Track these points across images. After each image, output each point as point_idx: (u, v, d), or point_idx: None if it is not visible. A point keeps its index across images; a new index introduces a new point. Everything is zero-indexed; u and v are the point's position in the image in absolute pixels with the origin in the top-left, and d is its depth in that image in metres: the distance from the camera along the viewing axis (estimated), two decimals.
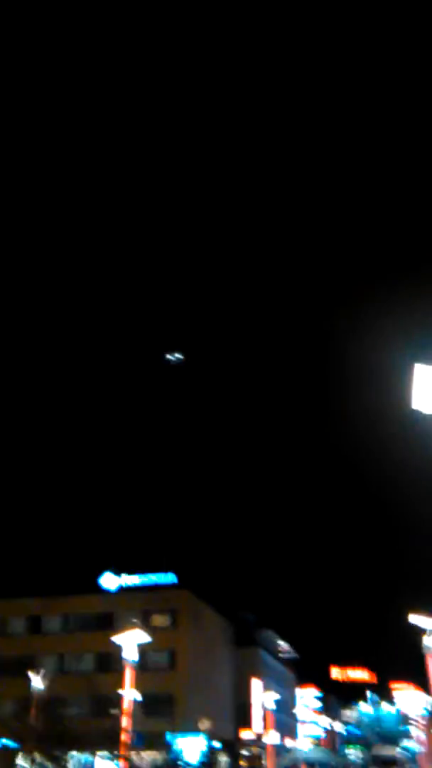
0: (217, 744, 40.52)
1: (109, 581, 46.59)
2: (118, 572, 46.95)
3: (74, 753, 33.95)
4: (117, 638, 22.35)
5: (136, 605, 43.83)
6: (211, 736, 39.43)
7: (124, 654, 22.28)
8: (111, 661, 35.79)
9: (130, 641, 22.67)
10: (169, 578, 46.89)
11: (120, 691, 25.26)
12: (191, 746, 37.08)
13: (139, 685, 25.75)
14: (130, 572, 47.06)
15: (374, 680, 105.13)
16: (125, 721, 24.09)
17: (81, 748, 34.09)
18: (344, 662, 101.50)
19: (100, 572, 46.86)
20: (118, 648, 24.31)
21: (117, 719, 26.46)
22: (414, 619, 19.01)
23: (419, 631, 21.90)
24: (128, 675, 22.44)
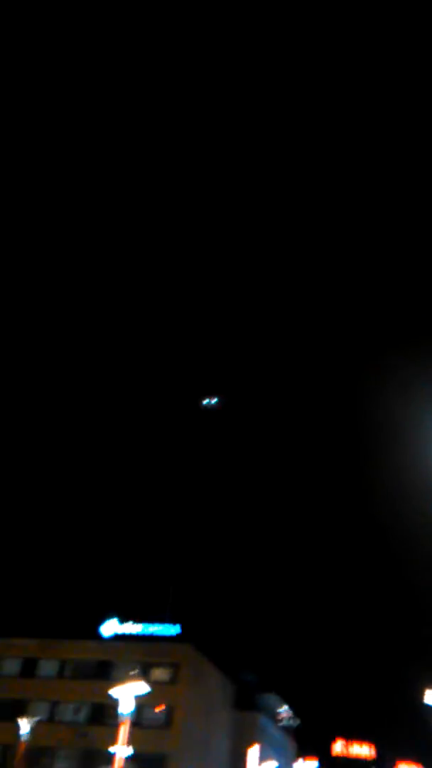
0: None
1: (110, 629, 45.15)
2: (120, 620, 45.51)
3: None
4: (115, 691, 21.25)
5: (135, 656, 42.24)
6: None
7: (121, 708, 21.12)
8: (105, 713, 34.26)
9: (128, 693, 21.54)
10: (172, 630, 45.31)
11: (112, 749, 23.93)
12: None
13: (131, 741, 24.42)
14: (132, 620, 45.59)
15: (375, 757, 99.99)
16: None
17: None
18: (348, 735, 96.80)
19: (100, 617, 45.44)
20: (114, 700, 23.12)
21: None
22: (429, 697, 17.74)
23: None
24: (123, 731, 21.23)
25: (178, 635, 44.97)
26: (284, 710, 71.20)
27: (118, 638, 44.71)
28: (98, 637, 44.70)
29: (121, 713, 21.91)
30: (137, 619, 45.56)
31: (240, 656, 57.58)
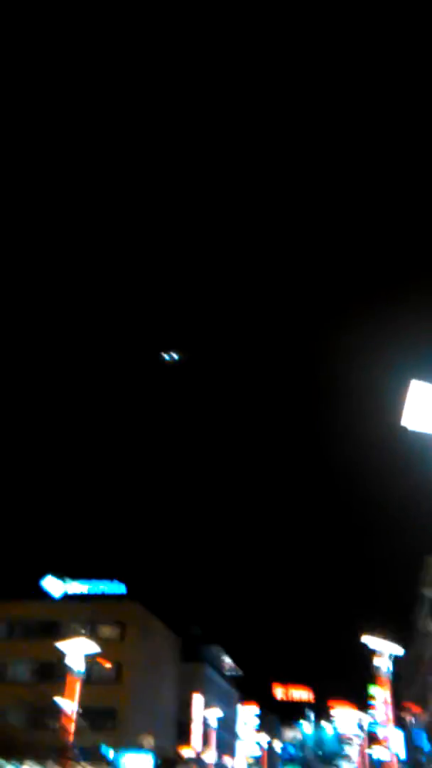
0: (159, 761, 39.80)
1: (53, 586, 45.23)
2: (63, 577, 45.69)
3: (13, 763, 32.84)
4: (62, 645, 21.64)
5: (83, 615, 42.82)
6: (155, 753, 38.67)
7: (69, 662, 21.57)
8: (55, 671, 34.81)
9: (76, 650, 21.99)
10: (117, 588, 46.02)
11: (59, 701, 24.40)
12: (138, 764, 36.17)
13: (81, 697, 25.01)
14: (77, 578, 45.89)
15: (313, 700, 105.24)
16: (67, 734, 23.34)
17: (20, 759, 33.01)
18: (287, 681, 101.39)
19: (43, 576, 45.47)
20: (62, 657, 23.54)
21: (58, 732, 25.64)
22: (366, 639, 18.92)
23: (368, 652, 21.86)
24: (71, 685, 21.74)
25: (123, 594, 45.73)
26: (227, 660, 73.86)
27: (66, 598, 45.13)
28: (43, 596, 44.91)
29: (69, 666, 22.31)
30: (82, 577, 45.98)
31: (185, 610, 59.18)
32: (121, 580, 46.31)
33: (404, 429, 6.66)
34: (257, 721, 79.81)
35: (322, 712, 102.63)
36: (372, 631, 20.71)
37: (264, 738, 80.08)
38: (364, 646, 20.28)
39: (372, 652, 20.74)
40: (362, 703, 66.50)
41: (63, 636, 29.41)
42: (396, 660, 21.10)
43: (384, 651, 19.25)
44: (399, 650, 20.62)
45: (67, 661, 22.20)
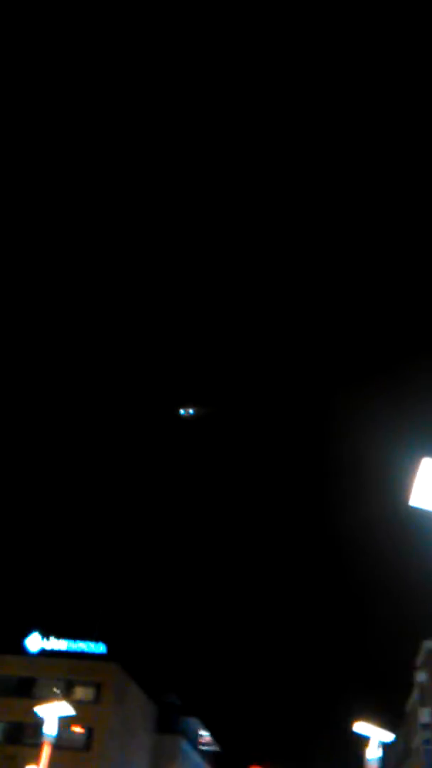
0: None
1: (35, 644, 43.86)
2: (45, 634, 44.31)
3: None
4: (41, 709, 20.59)
5: (59, 672, 41.23)
6: None
7: (45, 728, 20.48)
8: (24, 732, 33.25)
9: (53, 714, 20.93)
10: (98, 648, 44.46)
11: None
12: None
13: (48, 763, 23.73)
14: (58, 637, 44.45)
15: None
16: None
17: None
18: (267, 762, 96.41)
19: (23, 632, 44.10)
20: (35, 719, 22.45)
21: None
22: (358, 727, 18.00)
23: (356, 737, 20.81)
24: (46, 753, 20.59)
25: (103, 654, 44.16)
26: (205, 735, 70.64)
27: (43, 654, 43.57)
28: (23, 651, 43.42)
29: (45, 734, 21.15)
30: (63, 636, 44.52)
31: (164, 678, 56.96)
32: (103, 639, 44.83)
33: (410, 509, 6.48)
34: None
35: None
36: (362, 716, 19.78)
37: None
38: (353, 730, 19.31)
39: (360, 738, 19.76)
40: None
41: (36, 694, 28.19)
42: (384, 747, 20.07)
43: (373, 737, 18.30)
44: (389, 736, 19.61)
45: (45, 728, 21.03)
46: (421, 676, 41.50)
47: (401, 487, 6.64)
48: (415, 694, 43.91)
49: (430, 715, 39.04)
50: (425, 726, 39.69)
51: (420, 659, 42.11)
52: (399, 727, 51.23)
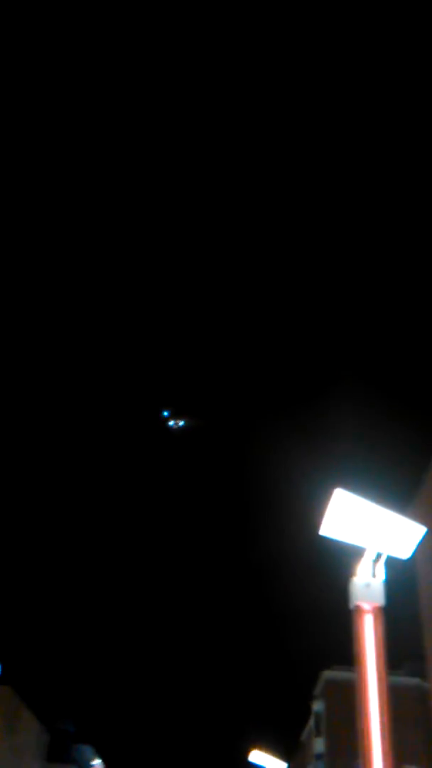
0: None
1: None
2: None
3: None
4: None
5: None
6: None
7: None
8: None
9: None
10: None
11: None
12: None
13: None
14: None
15: None
16: None
17: None
18: None
19: None
20: None
21: None
22: (254, 756, 18.08)
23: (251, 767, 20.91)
24: None
25: None
26: (98, 763, 68.59)
27: None
28: None
29: None
30: None
31: (60, 703, 55.10)
32: None
33: (319, 538, 6.68)
34: None
35: None
36: (259, 745, 19.89)
37: None
38: (248, 761, 19.41)
39: (255, 767, 19.88)
40: None
41: None
42: None
43: (267, 766, 18.44)
44: (281, 765, 19.84)
45: None
46: (317, 706, 42.07)
47: (315, 518, 6.82)
48: (310, 724, 44.41)
49: (324, 745, 39.60)
50: (319, 756, 40.19)
51: (318, 689, 42.72)
52: (294, 756, 51.60)
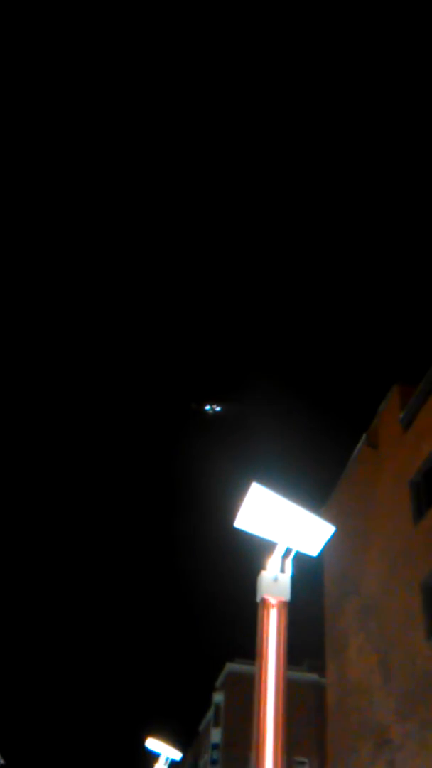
0: None
1: None
2: None
3: None
4: None
5: None
6: None
7: None
8: None
9: None
10: None
11: None
12: None
13: None
14: None
15: None
16: None
17: None
18: None
19: None
20: None
21: None
22: (150, 743, 18.10)
23: (150, 757, 20.92)
24: None
25: None
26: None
27: None
28: None
29: None
30: None
31: None
32: None
33: (235, 532, 6.73)
34: None
35: None
36: (157, 734, 19.90)
37: None
38: (148, 750, 19.40)
39: (154, 757, 19.87)
40: None
41: None
42: (174, 765, 20.33)
43: (163, 754, 18.50)
44: (177, 754, 19.91)
45: None
46: (217, 697, 42.63)
47: (231, 512, 6.87)
48: (209, 714, 44.97)
49: (221, 735, 40.24)
50: (215, 746, 40.79)
51: (220, 681, 43.28)
52: (191, 746, 52.10)
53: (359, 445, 24.07)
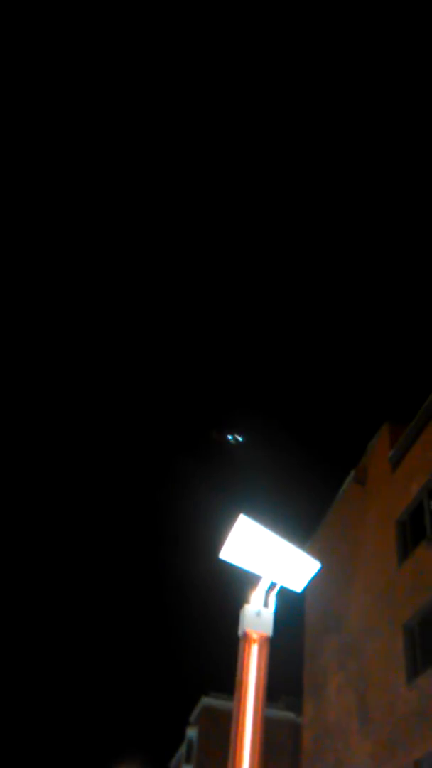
0: None
1: None
2: None
3: None
4: None
5: None
6: None
7: None
8: None
9: None
10: None
11: None
12: None
13: None
14: None
15: None
16: None
17: None
18: None
19: None
20: None
21: None
22: None
23: None
24: None
25: None
26: None
27: None
28: None
29: None
30: None
31: None
32: None
33: (219, 565, 6.72)
34: None
35: None
36: (127, 763, 19.50)
37: None
38: None
39: None
40: None
41: None
42: None
43: None
44: None
45: None
46: (191, 733, 41.75)
47: (217, 545, 6.86)
48: (182, 749, 43.98)
49: None
50: None
51: (194, 714, 42.44)
52: None
53: (347, 481, 24.06)
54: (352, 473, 23.65)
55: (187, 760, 40.18)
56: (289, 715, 38.76)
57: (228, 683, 6.41)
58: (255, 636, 6.07)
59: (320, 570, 6.70)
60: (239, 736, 5.59)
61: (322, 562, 7.10)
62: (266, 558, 6.31)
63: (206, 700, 40.78)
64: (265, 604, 6.28)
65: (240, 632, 6.12)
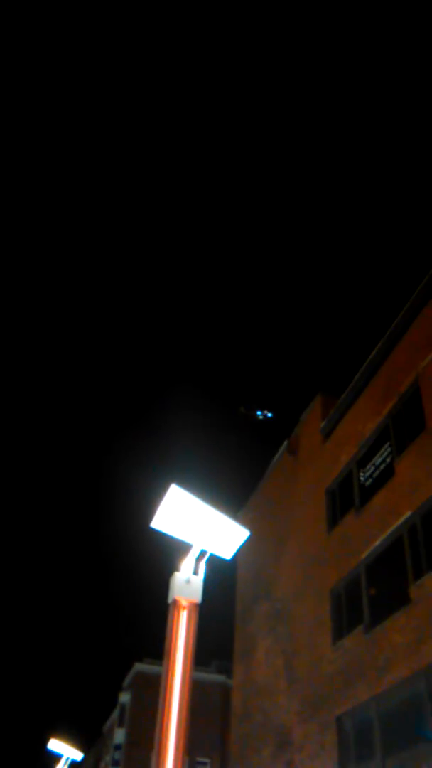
0: None
1: None
2: None
3: None
4: None
5: None
6: None
7: None
8: None
9: None
10: None
11: None
12: None
13: None
14: None
15: None
16: None
17: None
18: None
19: None
20: None
21: None
22: (52, 744, 17.75)
23: (52, 758, 20.57)
24: None
25: None
26: None
27: None
28: None
29: None
30: None
31: None
32: None
33: (150, 534, 6.74)
34: None
35: None
36: (60, 735, 19.57)
37: None
38: (47, 749, 19.04)
39: (56, 758, 19.55)
40: None
41: None
42: (75, 765, 20.09)
43: (64, 755, 18.23)
44: (78, 755, 19.71)
45: None
46: (123, 697, 42.30)
47: (149, 513, 6.88)
48: (114, 714, 44.56)
49: (124, 736, 39.91)
50: (117, 747, 40.42)
51: (127, 680, 42.96)
52: (94, 746, 51.46)
53: (280, 451, 24.53)
54: (285, 443, 24.11)
55: (120, 724, 40.81)
56: (220, 677, 39.79)
57: (161, 650, 6.50)
58: (184, 603, 6.15)
59: (250, 538, 6.82)
60: (167, 700, 5.69)
61: (253, 530, 7.24)
62: (196, 527, 6.38)
63: (139, 666, 41.34)
64: (195, 572, 6.36)
65: (170, 599, 6.19)
